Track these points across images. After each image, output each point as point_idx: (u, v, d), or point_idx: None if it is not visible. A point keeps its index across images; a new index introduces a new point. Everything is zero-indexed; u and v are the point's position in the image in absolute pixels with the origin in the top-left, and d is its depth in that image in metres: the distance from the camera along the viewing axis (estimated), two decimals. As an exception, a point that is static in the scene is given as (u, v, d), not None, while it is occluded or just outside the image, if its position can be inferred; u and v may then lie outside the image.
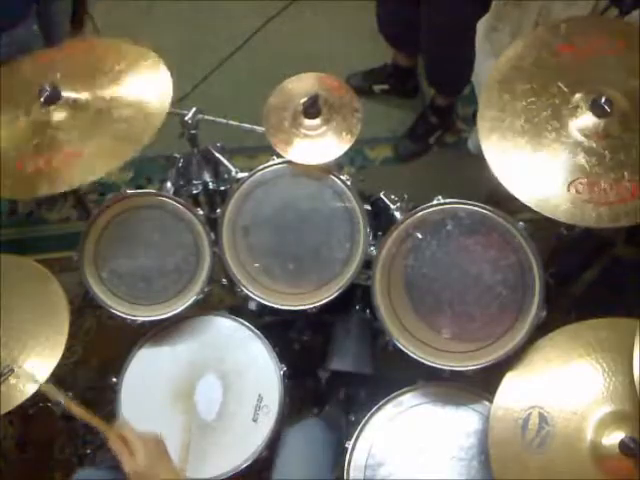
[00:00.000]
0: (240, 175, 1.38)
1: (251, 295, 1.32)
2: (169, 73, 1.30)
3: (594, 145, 1.12)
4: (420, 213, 1.25)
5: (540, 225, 1.30)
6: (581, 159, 1.11)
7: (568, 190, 1.10)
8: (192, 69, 2.31)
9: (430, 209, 1.24)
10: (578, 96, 1.15)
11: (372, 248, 1.29)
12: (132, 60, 1.32)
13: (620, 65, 1.17)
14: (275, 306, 1.32)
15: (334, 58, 2.35)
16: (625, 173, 1.09)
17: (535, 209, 1.10)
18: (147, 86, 1.29)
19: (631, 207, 1.07)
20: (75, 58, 1.36)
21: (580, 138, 1.12)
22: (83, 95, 1.29)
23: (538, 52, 1.20)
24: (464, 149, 2.22)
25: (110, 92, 1.28)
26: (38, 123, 1.27)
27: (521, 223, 1.20)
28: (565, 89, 1.16)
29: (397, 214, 1.38)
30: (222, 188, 1.51)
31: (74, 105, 1.27)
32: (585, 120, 1.13)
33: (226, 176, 1.50)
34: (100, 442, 1.46)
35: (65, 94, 1.28)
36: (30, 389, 1.19)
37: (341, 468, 1.20)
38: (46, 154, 1.23)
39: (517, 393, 1.13)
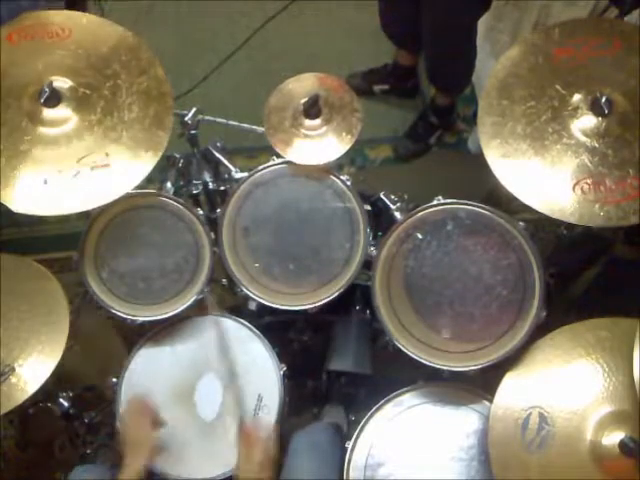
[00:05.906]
0: (240, 175, 1.39)
1: (251, 295, 1.32)
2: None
3: (596, 145, 1.12)
4: (420, 213, 1.25)
5: (540, 225, 1.30)
6: (584, 159, 1.11)
7: (574, 191, 1.10)
8: (192, 69, 2.30)
9: (430, 209, 1.25)
10: (577, 97, 1.15)
11: (372, 248, 1.29)
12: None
13: (617, 65, 1.17)
14: (275, 306, 1.32)
15: (334, 58, 2.35)
16: (630, 170, 1.09)
17: (543, 212, 1.10)
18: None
19: (639, 204, 1.07)
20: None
21: (582, 138, 1.13)
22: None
23: (535, 57, 1.20)
24: (464, 149, 2.21)
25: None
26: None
27: (521, 223, 1.20)
28: (563, 91, 1.16)
29: (397, 214, 1.38)
30: (222, 188, 1.51)
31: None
32: (586, 120, 1.13)
33: (226, 176, 1.51)
34: (100, 442, 1.46)
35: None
36: (30, 389, 1.19)
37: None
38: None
39: (517, 393, 1.13)
